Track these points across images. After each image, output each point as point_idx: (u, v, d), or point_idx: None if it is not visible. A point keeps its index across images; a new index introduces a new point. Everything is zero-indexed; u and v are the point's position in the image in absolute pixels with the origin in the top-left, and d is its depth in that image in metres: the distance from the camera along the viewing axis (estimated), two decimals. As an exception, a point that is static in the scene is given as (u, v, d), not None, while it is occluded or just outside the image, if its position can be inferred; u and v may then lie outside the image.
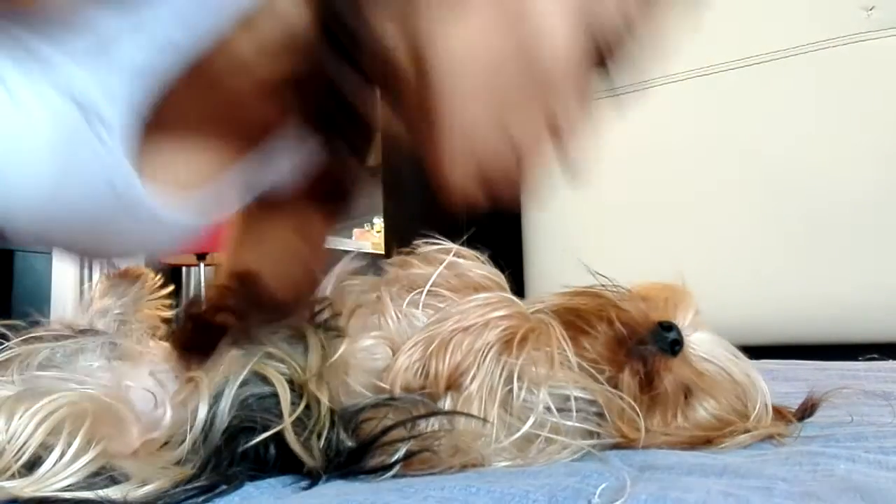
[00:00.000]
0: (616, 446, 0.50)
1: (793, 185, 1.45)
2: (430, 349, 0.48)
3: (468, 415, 0.46)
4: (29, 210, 0.48)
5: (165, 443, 0.44)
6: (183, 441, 0.43)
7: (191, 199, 0.55)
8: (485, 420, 0.46)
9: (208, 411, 0.43)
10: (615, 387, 0.51)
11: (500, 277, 0.58)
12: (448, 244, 0.59)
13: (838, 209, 1.40)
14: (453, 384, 0.47)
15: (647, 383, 0.52)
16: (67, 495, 0.41)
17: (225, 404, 0.43)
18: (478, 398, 0.46)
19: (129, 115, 0.47)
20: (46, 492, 0.39)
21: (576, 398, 0.48)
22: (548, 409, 0.47)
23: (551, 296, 0.58)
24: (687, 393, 0.53)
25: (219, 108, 0.51)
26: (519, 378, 0.47)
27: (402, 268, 0.57)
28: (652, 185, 1.60)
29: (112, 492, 0.40)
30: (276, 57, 0.49)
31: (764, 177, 1.48)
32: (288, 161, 0.59)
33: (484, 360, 0.47)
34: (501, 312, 0.50)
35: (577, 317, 0.54)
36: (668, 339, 0.53)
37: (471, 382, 0.47)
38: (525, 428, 0.46)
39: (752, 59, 1.50)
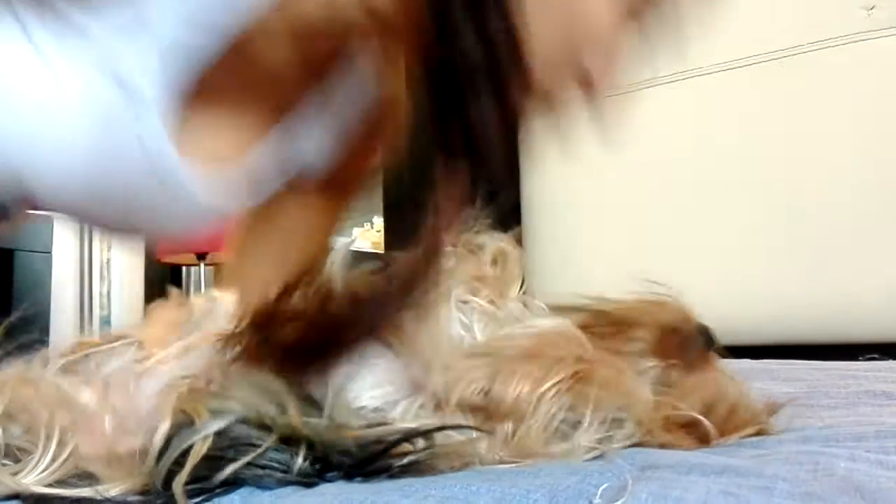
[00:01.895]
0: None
1: (793, 184, 1.45)
2: (498, 373, 0.47)
3: (469, 428, 0.46)
4: (61, 176, 0.49)
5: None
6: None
7: (223, 174, 0.56)
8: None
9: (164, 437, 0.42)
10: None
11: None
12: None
13: (838, 209, 1.41)
14: (514, 413, 0.47)
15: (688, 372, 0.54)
16: (65, 492, 0.41)
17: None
18: (537, 432, 0.46)
19: (165, 90, 0.48)
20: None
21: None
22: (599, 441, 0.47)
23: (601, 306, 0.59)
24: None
25: (255, 81, 0.52)
26: (588, 420, 0.47)
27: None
28: (651, 185, 1.60)
29: (111, 490, 0.40)
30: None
31: (764, 176, 1.48)
32: (316, 143, 0.60)
33: (550, 397, 0.47)
34: (577, 350, 0.50)
35: (619, 323, 0.56)
36: (709, 338, 0.56)
37: (533, 416, 0.46)
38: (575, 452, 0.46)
39: (752, 59, 1.51)
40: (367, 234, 3.96)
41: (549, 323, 0.53)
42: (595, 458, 0.46)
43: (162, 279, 2.68)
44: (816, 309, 1.43)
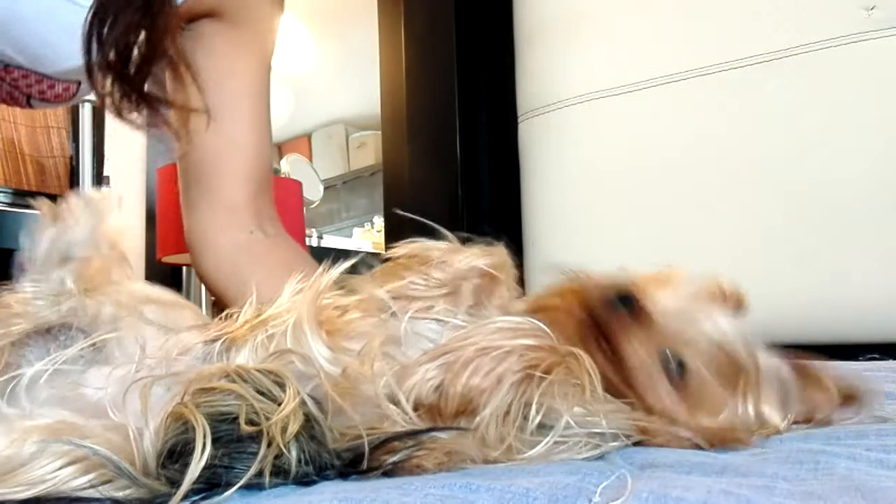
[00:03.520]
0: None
1: (793, 184, 1.45)
2: (450, 368, 0.46)
3: (460, 429, 0.45)
4: None
5: None
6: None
7: None
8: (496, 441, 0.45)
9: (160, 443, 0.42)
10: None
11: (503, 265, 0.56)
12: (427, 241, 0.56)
13: (838, 209, 1.40)
14: (467, 407, 0.46)
15: (614, 353, 0.51)
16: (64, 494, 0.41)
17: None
18: (491, 424, 0.45)
19: None
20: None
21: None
22: (568, 426, 0.46)
23: (527, 299, 0.57)
24: (674, 360, 0.52)
25: None
26: (536, 409, 0.46)
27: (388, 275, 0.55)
28: (652, 184, 1.59)
29: (113, 490, 0.40)
30: None
31: (764, 177, 1.48)
32: None
33: (502, 388, 0.46)
34: (529, 341, 0.48)
35: (548, 315, 0.53)
36: (617, 301, 0.52)
37: (485, 408, 0.45)
38: (543, 445, 0.45)
39: (752, 59, 1.50)
40: (367, 234, 3.96)
41: (508, 318, 0.51)
42: (595, 457, 0.46)
43: (162, 279, 2.68)
44: (816, 309, 1.43)
